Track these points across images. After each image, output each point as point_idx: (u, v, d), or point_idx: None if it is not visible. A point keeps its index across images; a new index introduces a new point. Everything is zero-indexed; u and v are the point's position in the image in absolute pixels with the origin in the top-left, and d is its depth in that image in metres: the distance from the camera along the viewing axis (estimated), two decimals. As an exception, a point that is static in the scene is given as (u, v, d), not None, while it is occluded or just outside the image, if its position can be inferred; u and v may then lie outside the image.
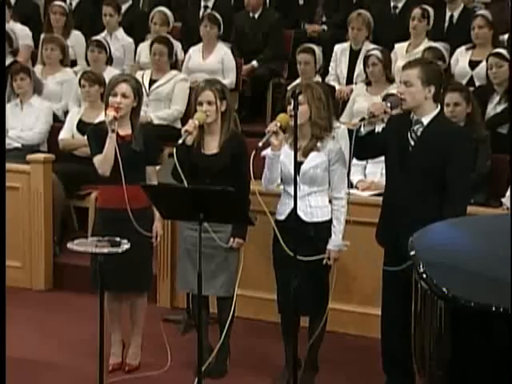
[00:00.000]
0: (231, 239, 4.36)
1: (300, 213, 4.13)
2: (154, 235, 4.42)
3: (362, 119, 4.01)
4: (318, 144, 4.25)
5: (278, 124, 4.07)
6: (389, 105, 3.99)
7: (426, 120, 4.03)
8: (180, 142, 4.22)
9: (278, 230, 4.23)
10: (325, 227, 4.25)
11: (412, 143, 4.04)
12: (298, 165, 4.07)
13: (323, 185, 4.27)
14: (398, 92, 4.06)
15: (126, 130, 4.44)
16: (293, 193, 4.08)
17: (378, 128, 4.08)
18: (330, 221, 4.26)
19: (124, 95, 4.37)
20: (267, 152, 4.18)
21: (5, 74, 6.58)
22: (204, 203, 3.91)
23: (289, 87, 5.88)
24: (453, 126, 4.35)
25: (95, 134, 4.43)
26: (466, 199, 4.13)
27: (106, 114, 4.36)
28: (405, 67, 4.10)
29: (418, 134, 4.03)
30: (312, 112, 4.20)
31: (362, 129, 3.99)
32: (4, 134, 5.66)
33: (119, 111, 4.35)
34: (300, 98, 4.07)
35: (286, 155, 4.20)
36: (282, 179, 4.33)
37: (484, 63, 6.34)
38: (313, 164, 4.23)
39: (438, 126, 4.03)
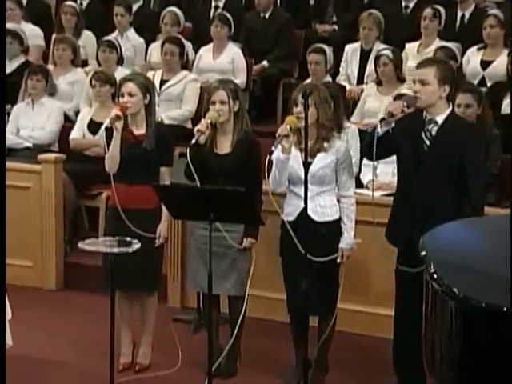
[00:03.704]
0: (244, 239, 4.36)
1: (310, 213, 4.13)
2: (157, 236, 4.41)
3: (382, 119, 4.00)
4: (325, 144, 4.25)
5: (288, 127, 4.07)
6: (405, 104, 3.99)
7: (440, 119, 4.03)
8: (193, 141, 4.23)
9: (286, 231, 4.21)
10: (335, 226, 4.25)
11: (427, 143, 4.03)
12: (307, 165, 4.07)
13: (331, 184, 4.27)
14: (414, 90, 4.04)
15: (140, 130, 4.45)
16: (301, 193, 4.09)
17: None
18: (339, 219, 4.26)
19: (130, 94, 4.38)
20: (278, 155, 4.16)
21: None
22: (214, 203, 3.92)
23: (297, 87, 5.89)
24: (467, 124, 4.37)
25: (109, 133, 4.44)
26: (484, 197, 4.14)
27: None
28: (420, 66, 4.09)
29: (433, 133, 4.03)
30: (320, 114, 4.20)
31: (379, 129, 3.98)
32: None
33: (126, 110, 4.36)
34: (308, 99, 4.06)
35: (293, 156, 4.20)
36: (288, 180, 4.32)
37: (496, 63, 6.33)
38: (321, 165, 4.23)
39: (453, 125, 4.04)
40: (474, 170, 3.98)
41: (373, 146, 3.95)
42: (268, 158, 4.01)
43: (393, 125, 4.03)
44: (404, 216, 4.06)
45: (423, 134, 4.04)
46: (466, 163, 3.96)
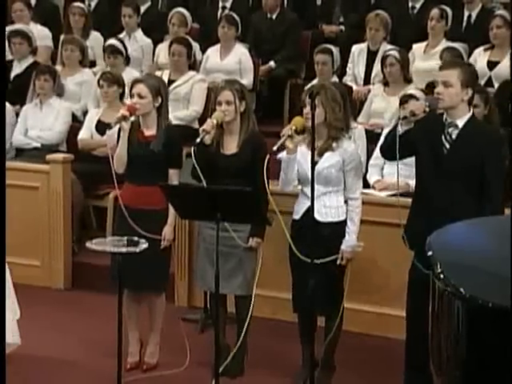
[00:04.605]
0: (250, 239, 4.38)
1: (315, 213, 4.13)
2: (162, 238, 4.42)
3: (404, 117, 4.00)
4: (334, 144, 4.26)
5: (293, 127, 4.08)
6: (427, 104, 3.99)
7: (460, 123, 4.01)
8: (198, 141, 4.25)
9: (294, 229, 4.25)
10: (339, 227, 4.25)
11: (447, 146, 4.01)
12: (314, 165, 4.08)
13: (338, 185, 4.28)
14: (436, 92, 4.02)
15: (151, 131, 4.47)
16: (308, 193, 4.10)
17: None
18: (345, 221, 4.27)
19: (140, 95, 4.40)
20: (282, 155, 4.19)
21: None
22: (222, 203, 3.94)
23: (305, 88, 5.92)
24: (487, 128, 4.35)
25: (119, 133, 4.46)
26: (501, 198, 4.12)
27: None
28: (444, 67, 4.07)
29: (453, 136, 4.01)
30: (327, 114, 4.21)
31: (399, 128, 3.98)
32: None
33: (135, 111, 4.38)
34: (316, 99, 4.08)
35: (303, 155, 4.22)
36: (299, 180, 4.34)
37: (502, 63, 6.33)
38: (327, 164, 4.24)
39: (474, 129, 4.01)
40: (495, 175, 3.96)
41: (394, 146, 3.94)
42: (268, 157, 4.04)
43: (412, 125, 4.03)
44: (422, 219, 4.02)
45: (443, 137, 4.01)
46: (486, 168, 3.94)
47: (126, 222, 4.39)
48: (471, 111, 4.07)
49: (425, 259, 3.90)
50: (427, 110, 3.97)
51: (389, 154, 4.18)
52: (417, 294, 4.07)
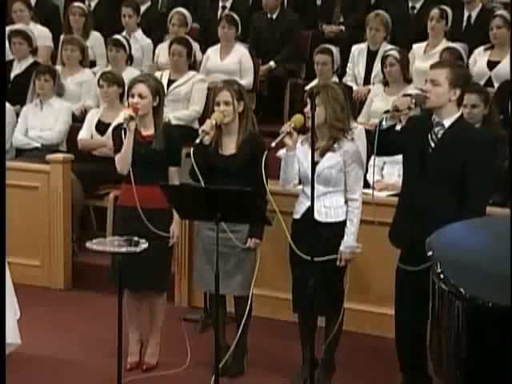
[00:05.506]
0: (248, 240, 4.38)
1: (314, 213, 4.13)
2: (170, 235, 4.44)
3: (386, 112, 4.01)
4: (335, 145, 4.26)
5: (292, 125, 4.09)
6: (413, 101, 3.99)
7: (447, 123, 4.01)
8: (197, 141, 4.26)
9: (294, 229, 4.25)
10: (339, 228, 4.25)
11: (432, 145, 4.01)
12: (314, 165, 4.08)
13: (338, 185, 4.28)
14: (424, 90, 4.03)
15: (148, 130, 4.48)
16: (309, 193, 4.10)
17: (398, 126, 4.08)
18: (345, 222, 4.27)
19: (141, 95, 4.41)
20: (282, 152, 4.20)
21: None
22: (221, 203, 3.94)
23: (306, 88, 5.92)
24: (474, 129, 4.34)
25: (119, 133, 4.47)
26: (485, 201, 4.11)
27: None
28: (434, 66, 4.08)
29: (439, 136, 4.01)
30: (327, 113, 4.21)
31: (384, 122, 3.98)
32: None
33: (138, 111, 4.39)
34: (316, 99, 4.08)
35: (305, 155, 4.22)
36: (300, 179, 4.35)
37: (502, 63, 6.33)
38: (327, 164, 4.24)
39: (459, 129, 4.00)
40: (476, 173, 3.94)
41: (378, 139, 3.94)
42: (265, 153, 4.04)
43: (403, 123, 4.02)
44: (406, 218, 4.05)
45: (429, 136, 4.02)
46: (467, 169, 3.92)
47: (126, 222, 4.39)
48: (460, 112, 4.06)
49: (411, 258, 3.93)
50: (412, 106, 3.97)
51: (375, 149, 4.16)
52: (402, 294, 4.08)
